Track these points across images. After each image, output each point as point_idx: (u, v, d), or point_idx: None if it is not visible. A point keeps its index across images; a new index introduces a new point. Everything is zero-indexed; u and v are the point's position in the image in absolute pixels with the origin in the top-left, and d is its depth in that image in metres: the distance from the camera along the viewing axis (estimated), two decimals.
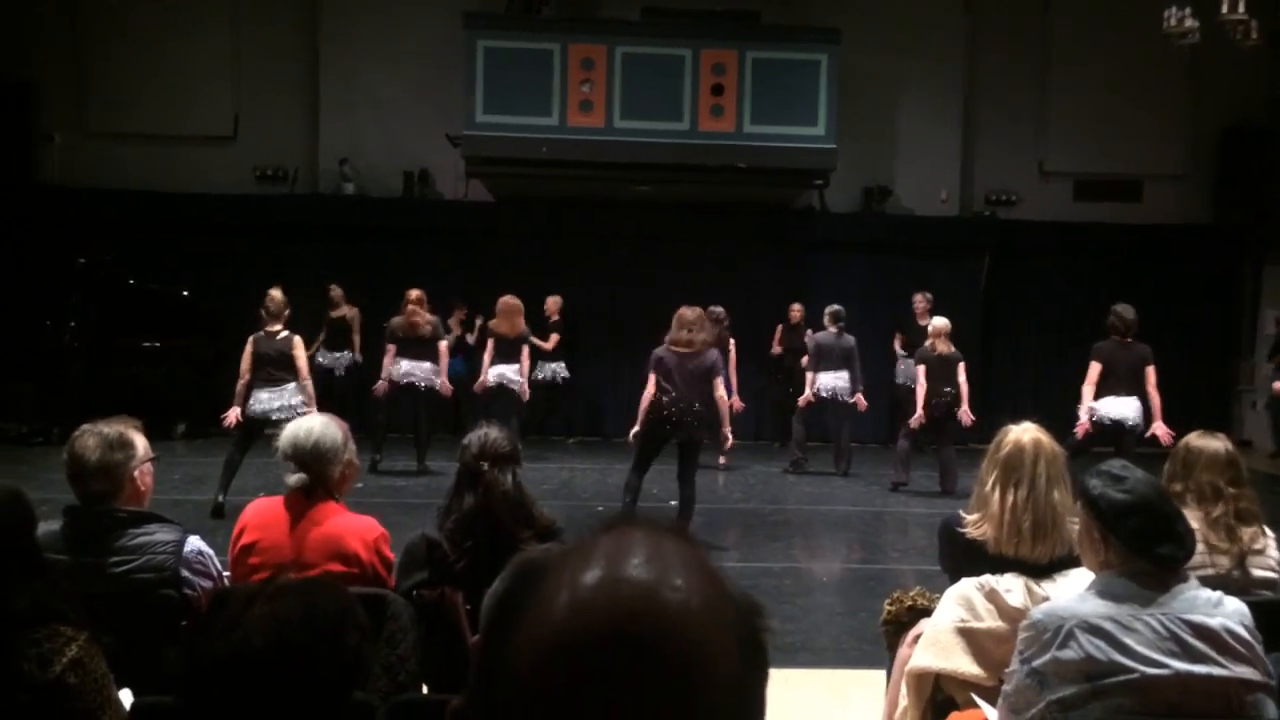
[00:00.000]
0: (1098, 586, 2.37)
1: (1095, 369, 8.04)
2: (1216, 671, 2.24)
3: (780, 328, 12.04)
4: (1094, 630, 2.27)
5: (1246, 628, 2.30)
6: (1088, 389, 8.04)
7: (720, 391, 7.04)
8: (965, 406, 9.22)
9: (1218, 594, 2.36)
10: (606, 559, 0.72)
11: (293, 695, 1.51)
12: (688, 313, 7.07)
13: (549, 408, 11.99)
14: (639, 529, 0.74)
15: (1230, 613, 2.31)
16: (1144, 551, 2.35)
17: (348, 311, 11.71)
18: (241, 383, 7.69)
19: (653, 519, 0.77)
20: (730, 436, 7.55)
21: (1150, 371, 8.01)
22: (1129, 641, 2.25)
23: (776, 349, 12.02)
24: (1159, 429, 7.84)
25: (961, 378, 9.32)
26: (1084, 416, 7.99)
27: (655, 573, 0.70)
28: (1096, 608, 2.30)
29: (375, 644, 2.76)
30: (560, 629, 0.69)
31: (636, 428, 7.13)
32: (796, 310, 11.92)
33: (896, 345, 11.72)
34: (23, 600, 2.02)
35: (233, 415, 7.66)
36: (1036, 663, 2.32)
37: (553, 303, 11.61)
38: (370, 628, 1.65)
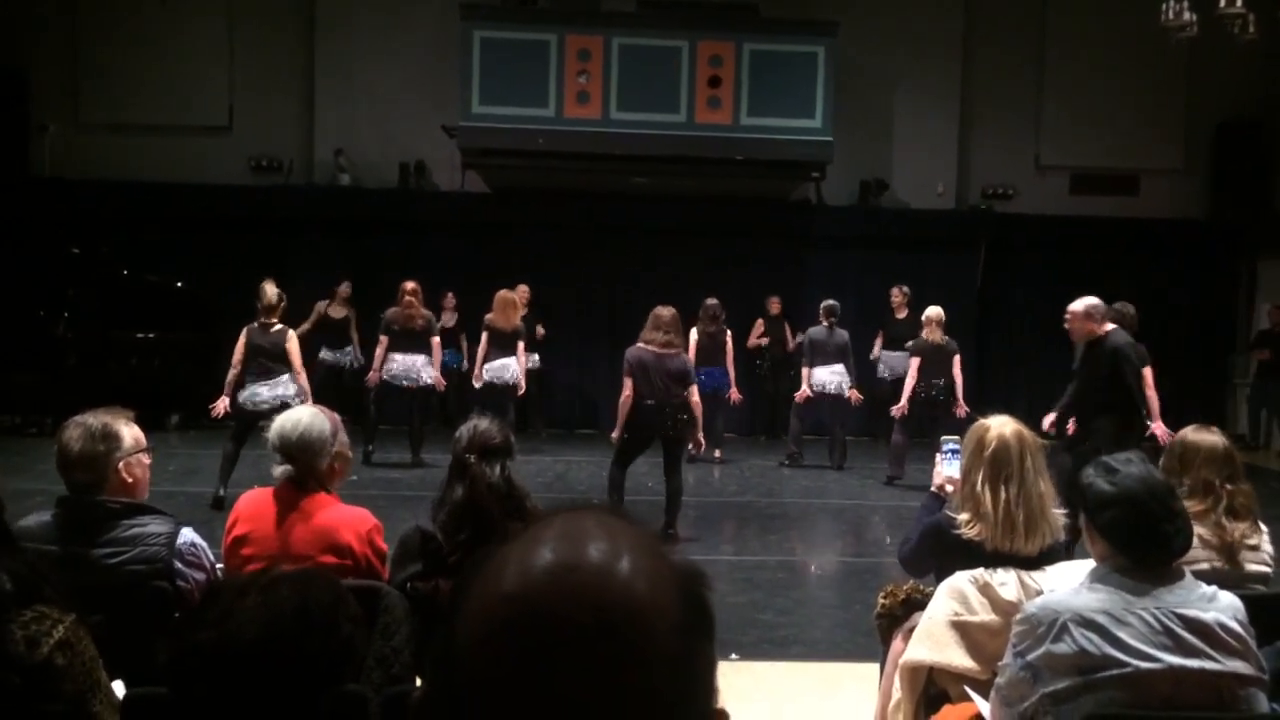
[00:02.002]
0: (1092, 579, 2.37)
1: None
2: (1209, 666, 2.24)
3: (760, 321, 12.06)
4: (1087, 624, 2.26)
5: (1240, 622, 2.29)
6: None
7: (695, 398, 7.00)
8: (960, 399, 9.21)
9: (1212, 588, 2.35)
10: (555, 538, 0.74)
11: (285, 685, 1.51)
12: (664, 313, 7.00)
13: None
14: (588, 512, 0.77)
15: (1224, 607, 2.30)
16: (1119, 545, 2.34)
17: (349, 312, 11.50)
18: (232, 373, 7.67)
19: (601, 505, 0.80)
20: (703, 442, 7.53)
21: (1148, 372, 8.02)
22: (1122, 635, 2.24)
23: (754, 342, 12.03)
24: (1158, 429, 7.84)
25: (956, 370, 9.31)
26: None
27: (603, 547, 0.73)
28: (1090, 601, 2.30)
29: (369, 636, 2.75)
30: (508, 600, 0.70)
31: (617, 431, 7.08)
32: (775, 303, 12.00)
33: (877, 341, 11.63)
34: (5, 582, 2.01)
35: (221, 405, 7.63)
36: (1030, 656, 2.31)
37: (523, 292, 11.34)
38: (363, 618, 1.64)
